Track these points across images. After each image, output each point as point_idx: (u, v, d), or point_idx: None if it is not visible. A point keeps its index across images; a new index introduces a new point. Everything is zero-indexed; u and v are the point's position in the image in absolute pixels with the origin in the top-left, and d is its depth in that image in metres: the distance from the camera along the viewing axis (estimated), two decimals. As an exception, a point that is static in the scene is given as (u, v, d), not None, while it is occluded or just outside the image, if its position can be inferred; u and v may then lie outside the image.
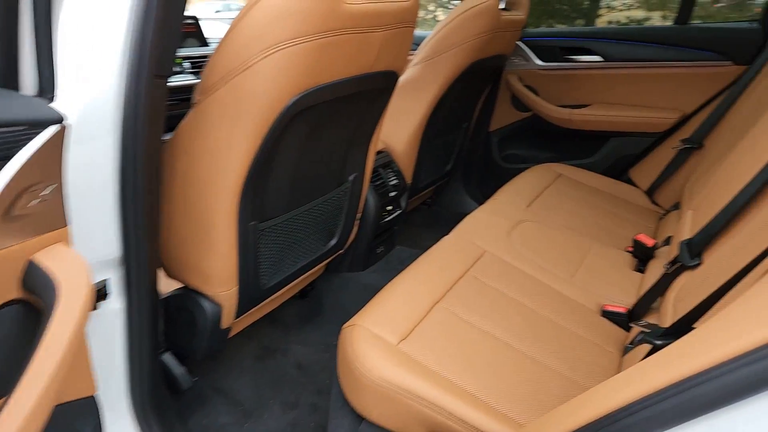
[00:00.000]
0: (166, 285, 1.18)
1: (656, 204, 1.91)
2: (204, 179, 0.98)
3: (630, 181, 2.07)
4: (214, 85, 0.90)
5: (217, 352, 1.49)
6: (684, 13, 1.93)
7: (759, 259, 0.60)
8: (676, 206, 1.76)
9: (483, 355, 1.00)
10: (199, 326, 1.14)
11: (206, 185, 0.98)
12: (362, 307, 1.09)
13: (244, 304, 1.19)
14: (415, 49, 1.82)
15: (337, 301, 1.72)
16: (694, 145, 1.79)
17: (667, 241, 1.51)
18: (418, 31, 1.48)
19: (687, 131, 1.88)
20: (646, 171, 1.99)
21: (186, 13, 0.81)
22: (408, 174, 1.87)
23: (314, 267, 1.42)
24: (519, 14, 1.88)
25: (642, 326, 0.77)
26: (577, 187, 1.89)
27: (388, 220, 1.76)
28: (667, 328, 0.67)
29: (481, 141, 2.39)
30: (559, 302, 1.22)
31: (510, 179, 1.88)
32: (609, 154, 2.11)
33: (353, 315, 1.06)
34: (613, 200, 1.86)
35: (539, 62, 2.17)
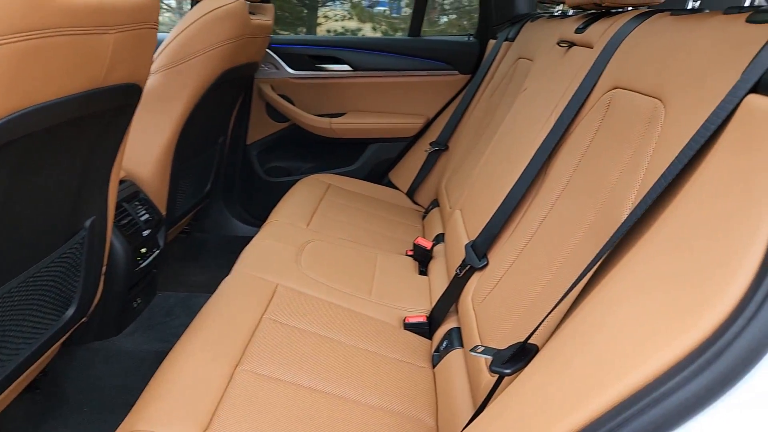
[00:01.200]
0: None
1: (417, 203, 2.05)
2: None
3: (391, 184, 2.17)
4: None
5: None
6: (415, 27, 2.10)
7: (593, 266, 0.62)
8: (434, 203, 1.91)
9: (301, 416, 0.85)
10: None
11: None
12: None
13: None
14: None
15: (86, 383, 1.31)
16: (441, 147, 1.96)
17: (438, 239, 1.61)
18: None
19: (433, 134, 2.06)
20: (404, 173, 2.12)
21: None
22: (161, 203, 1.56)
23: (46, 350, 1.03)
24: (266, 19, 1.75)
25: (478, 353, 0.74)
26: (348, 197, 1.88)
27: (145, 266, 1.43)
28: (511, 355, 0.65)
29: (240, 155, 2.19)
30: (364, 326, 1.15)
31: (275, 193, 1.78)
32: (369, 159, 2.18)
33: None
34: (381, 205, 1.91)
35: (291, 71, 2.09)
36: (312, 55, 2.08)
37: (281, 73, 2.09)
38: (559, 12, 1.62)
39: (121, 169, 1.44)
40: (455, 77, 2.08)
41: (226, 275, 1.21)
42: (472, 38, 2.10)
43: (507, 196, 1.10)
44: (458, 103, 1.97)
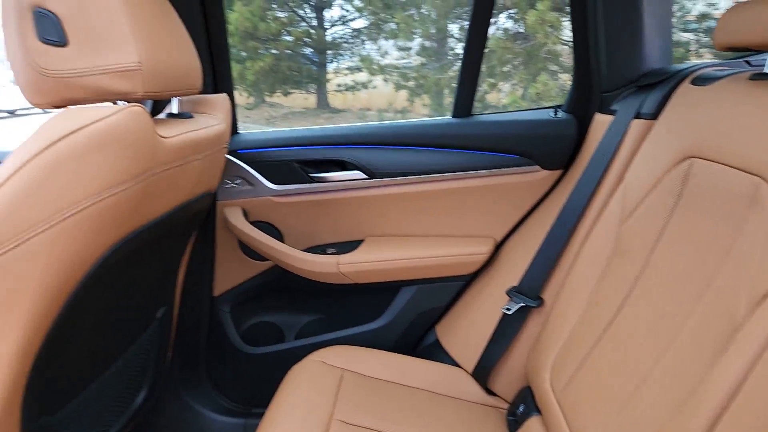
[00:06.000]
0: None
1: (493, 394, 1.22)
2: None
3: (439, 345, 1.35)
4: None
5: None
6: (464, 104, 1.33)
7: None
8: (524, 399, 1.09)
9: None
10: None
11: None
12: None
13: None
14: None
15: None
16: (531, 302, 1.15)
17: None
18: None
19: (506, 269, 1.25)
20: (461, 335, 1.30)
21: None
22: None
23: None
24: (214, 123, 1.00)
25: None
26: (374, 403, 1.07)
27: None
28: None
29: (205, 316, 1.42)
30: None
31: (260, 371, 1.35)
32: (403, 311, 1.37)
33: None
34: (433, 408, 1.10)
35: (272, 185, 1.33)
36: (302, 161, 1.33)
37: (258, 191, 1.34)
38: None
39: None
40: (537, 176, 1.29)
41: None
42: (561, 113, 1.32)
43: None
44: (553, 224, 1.16)
